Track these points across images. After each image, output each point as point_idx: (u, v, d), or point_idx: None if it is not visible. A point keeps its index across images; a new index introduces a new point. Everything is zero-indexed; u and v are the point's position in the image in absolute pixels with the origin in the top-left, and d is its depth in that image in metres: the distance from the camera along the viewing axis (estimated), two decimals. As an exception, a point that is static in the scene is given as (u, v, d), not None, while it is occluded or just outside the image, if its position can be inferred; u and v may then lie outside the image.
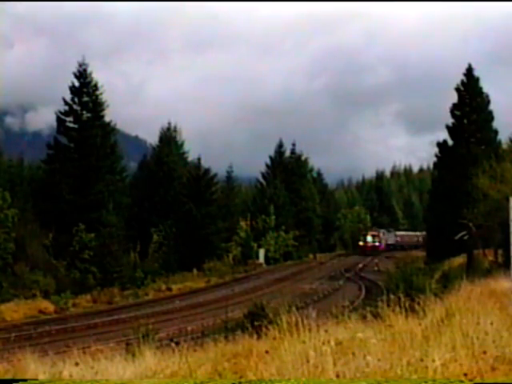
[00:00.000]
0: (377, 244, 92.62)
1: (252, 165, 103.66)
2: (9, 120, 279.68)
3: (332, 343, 7.22)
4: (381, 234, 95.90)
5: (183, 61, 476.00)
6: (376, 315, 9.64)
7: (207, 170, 67.03)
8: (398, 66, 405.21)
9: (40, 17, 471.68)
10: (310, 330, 8.02)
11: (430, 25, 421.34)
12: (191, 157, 72.55)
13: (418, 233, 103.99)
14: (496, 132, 59.51)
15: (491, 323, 8.19)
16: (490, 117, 59.74)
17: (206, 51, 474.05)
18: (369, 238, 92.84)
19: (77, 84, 54.86)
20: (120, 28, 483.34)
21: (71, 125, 55.26)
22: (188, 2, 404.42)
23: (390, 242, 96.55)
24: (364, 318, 9.87)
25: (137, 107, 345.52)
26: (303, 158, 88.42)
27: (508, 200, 13.73)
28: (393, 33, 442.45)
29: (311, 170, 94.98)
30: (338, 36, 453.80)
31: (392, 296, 9.45)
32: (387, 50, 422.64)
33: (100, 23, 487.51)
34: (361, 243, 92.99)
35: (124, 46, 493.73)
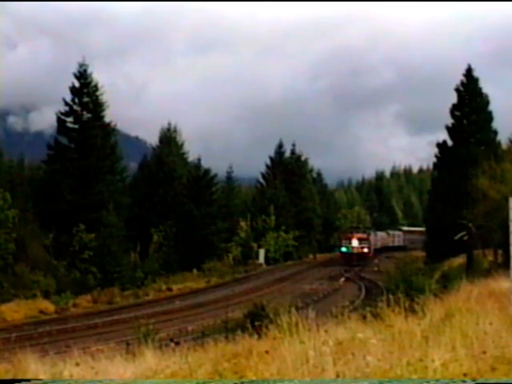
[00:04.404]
0: (365, 250, 72.47)
1: (252, 165, 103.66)
2: (11, 120, 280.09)
3: (332, 343, 7.24)
4: (371, 237, 78.17)
5: (186, 62, 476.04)
6: (376, 315, 9.66)
7: (207, 171, 67.10)
8: (399, 67, 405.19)
9: (43, 17, 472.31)
10: (309, 330, 8.04)
11: (433, 27, 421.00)
12: (191, 157, 72.82)
13: (396, 231, 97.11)
14: (496, 132, 59.57)
15: (491, 323, 8.21)
16: (489, 117, 59.79)
17: (209, 53, 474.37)
18: (355, 243, 72.27)
19: (77, 84, 54.94)
20: (123, 29, 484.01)
21: (71, 125, 55.33)
22: (191, 4, 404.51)
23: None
24: (364, 318, 9.89)
25: (139, 108, 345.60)
26: (303, 158, 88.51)
27: (507, 200, 13.72)
28: (395, 35, 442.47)
29: (311, 170, 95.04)
30: (340, 38, 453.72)
31: (392, 296, 9.47)
32: (389, 51, 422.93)
33: (103, 24, 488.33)
34: (344, 249, 72.44)
35: (127, 47, 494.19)
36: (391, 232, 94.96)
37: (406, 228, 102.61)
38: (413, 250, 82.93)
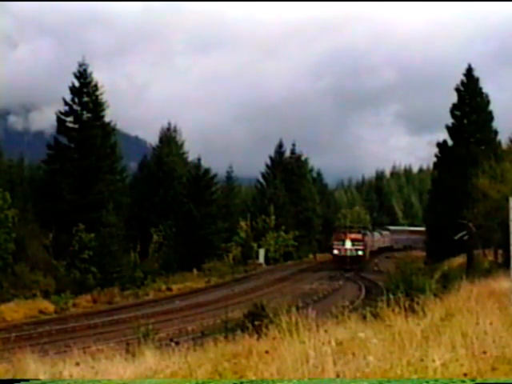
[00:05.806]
0: (360, 253, 65.33)
1: (252, 165, 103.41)
2: (11, 120, 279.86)
3: (332, 343, 7.23)
4: (366, 238, 70.49)
5: (186, 62, 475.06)
6: (376, 315, 9.66)
7: (207, 170, 67.10)
8: (400, 67, 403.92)
9: (44, 17, 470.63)
10: (309, 330, 8.03)
11: (433, 27, 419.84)
12: (191, 157, 72.79)
13: (385, 231, 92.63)
14: (496, 132, 59.60)
15: (491, 323, 8.21)
16: (489, 117, 59.81)
17: (209, 53, 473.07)
18: (348, 244, 65.50)
19: (77, 84, 54.92)
20: (123, 29, 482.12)
21: (71, 125, 55.30)
22: (191, 4, 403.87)
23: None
24: (364, 318, 9.89)
25: (139, 108, 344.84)
26: (303, 158, 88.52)
27: (508, 200, 13.73)
28: (396, 35, 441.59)
29: (311, 170, 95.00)
30: (340, 38, 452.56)
31: (392, 296, 9.46)
32: (390, 52, 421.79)
33: (104, 24, 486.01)
34: (336, 251, 65.54)
35: (127, 47, 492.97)
36: (383, 232, 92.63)
37: (392, 227, 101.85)
38: (398, 250, 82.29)
